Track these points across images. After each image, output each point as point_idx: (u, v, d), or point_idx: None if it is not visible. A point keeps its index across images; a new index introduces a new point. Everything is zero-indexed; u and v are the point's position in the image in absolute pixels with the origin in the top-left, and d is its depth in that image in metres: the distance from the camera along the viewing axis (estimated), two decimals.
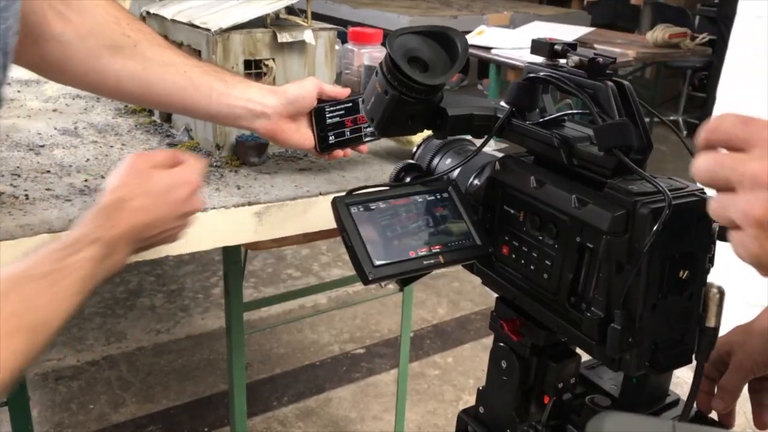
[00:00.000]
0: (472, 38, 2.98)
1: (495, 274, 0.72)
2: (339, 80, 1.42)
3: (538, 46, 0.70)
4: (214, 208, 0.93)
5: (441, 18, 3.30)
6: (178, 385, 2.13)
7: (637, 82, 4.14)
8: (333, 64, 1.18)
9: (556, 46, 0.69)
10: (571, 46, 0.69)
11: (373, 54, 1.42)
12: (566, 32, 3.13)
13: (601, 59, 0.65)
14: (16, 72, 1.62)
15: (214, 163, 1.08)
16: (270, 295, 2.53)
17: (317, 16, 3.69)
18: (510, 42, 2.88)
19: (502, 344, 0.76)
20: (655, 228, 0.56)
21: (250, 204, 0.95)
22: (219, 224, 0.94)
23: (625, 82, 0.64)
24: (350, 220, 0.65)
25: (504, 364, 0.75)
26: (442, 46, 0.70)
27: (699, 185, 0.57)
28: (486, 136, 0.72)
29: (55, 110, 1.34)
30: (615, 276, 0.59)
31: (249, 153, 1.09)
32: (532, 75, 0.71)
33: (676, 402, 0.77)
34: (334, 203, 0.66)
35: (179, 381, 2.15)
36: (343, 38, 1.40)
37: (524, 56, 2.69)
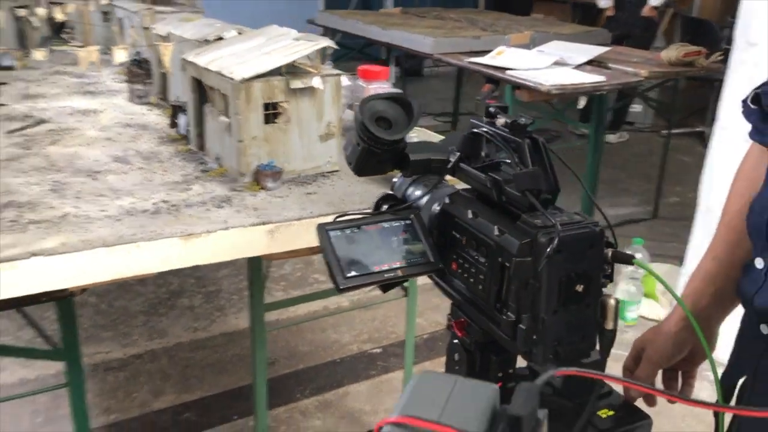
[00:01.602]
0: (490, 59, 3.16)
1: (446, 285, 0.91)
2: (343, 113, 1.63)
3: (485, 110, 0.90)
4: (234, 227, 1.15)
5: (464, 39, 3.48)
6: (212, 377, 2.37)
7: (668, 93, 4.23)
8: (339, 103, 1.40)
9: (490, 109, 0.89)
10: (503, 109, 0.89)
11: (378, 89, 1.63)
12: (581, 51, 3.28)
13: (522, 120, 0.85)
14: (77, 102, 1.88)
15: (237, 188, 1.31)
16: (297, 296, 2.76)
17: (348, 36, 3.96)
18: (525, 63, 3.05)
19: (455, 340, 0.95)
20: (546, 252, 0.75)
21: (264, 224, 1.17)
22: (239, 240, 1.16)
23: (540, 138, 0.83)
24: (328, 243, 0.86)
25: (456, 357, 0.95)
26: (402, 107, 0.91)
27: (595, 220, 0.76)
28: (439, 177, 0.92)
29: (108, 138, 1.59)
30: (523, 289, 0.79)
31: (266, 179, 1.30)
32: (475, 130, 0.91)
33: (609, 393, 0.94)
34: (318, 228, 0.87)
35: (213, 374, 2.39)
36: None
37: (537, 77, 2.86)
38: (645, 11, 4.85)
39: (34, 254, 1.02)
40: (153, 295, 2.91)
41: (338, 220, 0.89)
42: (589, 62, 3.19)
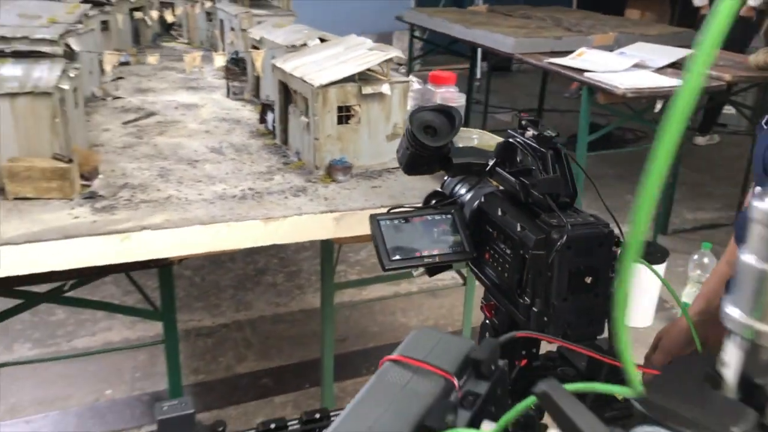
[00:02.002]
0: (570, 60, 3.21)
1: (480, 272, 1.06)
2: None
3: (519, 121, 1.04)
4: (306, 214, 1.34)
5: (545, 39, 3.54)
6: (289, 348, 2.60)
7: (761, 96, 4.12)
8: (405, 107, 1.56)
9: (523, 122, 1.03)
10: (533, 123, 1.02)
11: (445, 94, 1.78)
12: (664, 53, 3.27)
13: (547, 133, 0.98)
14: (181, 97, 2.14)
15: (312, 180, 1.50)
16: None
17: (434, 34, 4.11)
18: (604, 65, 3.09)
19: (486, 321, 1.10)
20: (556, 246, 0.88)
21: (331, 212, 1.35)
22: (309, 224, 1.34)
23: (563, 149, 0.97)
24: (378, 230, 1.02)
25: (486, 335, 1.10)
26: (447, 117, 1.06)
27: (606, 222, 0.90)
28: (478, 179, 1.07)
29: (207, 131, 1.82)
30: (537, 277, 0.93)
31: (337, 173, 1.49)
32: (510, 140, 1.05)
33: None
34: (370, 218, 1.04)
35: (290, 345, 2.62)
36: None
37: (613, 80, 2.90)
38: (742, 11, 4.71)
39: (144, 228, 1.25)
40: (241, 271, 3.18)
41: (391, 211, 1.05)
42: (672, 65, 3.19)
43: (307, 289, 3.02)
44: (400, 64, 3.27)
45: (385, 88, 1.49)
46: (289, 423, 0.93)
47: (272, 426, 0.91)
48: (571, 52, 3.34)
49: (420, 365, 0.57)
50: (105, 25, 2.40)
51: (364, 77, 1.52)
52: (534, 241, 0.92)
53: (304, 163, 1.59)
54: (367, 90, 1.48)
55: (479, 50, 5.33)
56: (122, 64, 2.46)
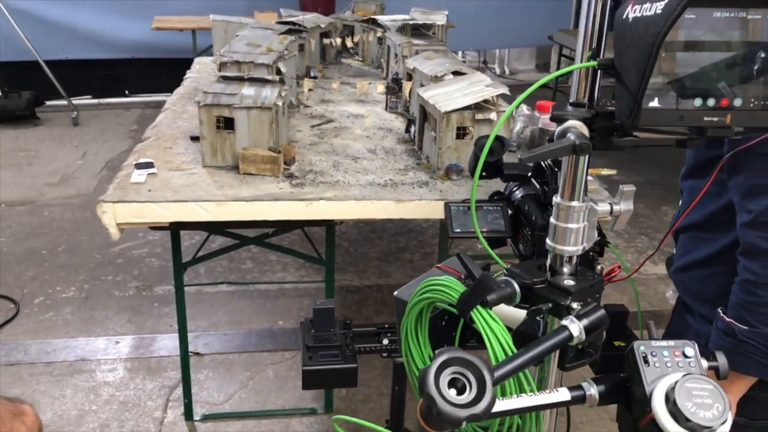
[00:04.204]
0: None
1: (515, 247, 1.63)
2: (521, 134, 2.36)
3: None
4: (425, 200, 1.98)
5: None
6: None
7: None
8: (508, 129, 2.14)
9: (541, 163, 1.59)
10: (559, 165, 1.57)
11: (545, 120, 2.33)
12: None
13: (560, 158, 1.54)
14: (352, 108, 2.86)
15: (434, 177, 2.13)
16: None
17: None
18: None
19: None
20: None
21: (442, 200, 1.98)
22: (426, 208, 1.98)
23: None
24: (448, 212, 1.62)
25: None
26: (501, 142, 1.63)
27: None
28: (518, 183, 1.65)
29: (367, 136, 2.52)
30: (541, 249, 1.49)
31: (452, 173, 2.11)
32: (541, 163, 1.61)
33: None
34: (445, 205, 1.64)
35: None
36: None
37: None
38: None
39: (321, 198, 1.96)
40: (386, 247, 3.90)
41: (460, 201, 1.65)
42: None
43: None
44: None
45: (492, 116, 2.09)
46: None
47: (386, 325, 1.56)
48: None
49: (451, 271, 1.18)
50: (301, 47, 3.19)
51: (479, 106, 2.13)
52: (539, 227, 1.46)
53: (430, 164, 2.23)
54: (480, 116, 2.09)
55: None
56: (312, 77, 3.24)
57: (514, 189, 1.69)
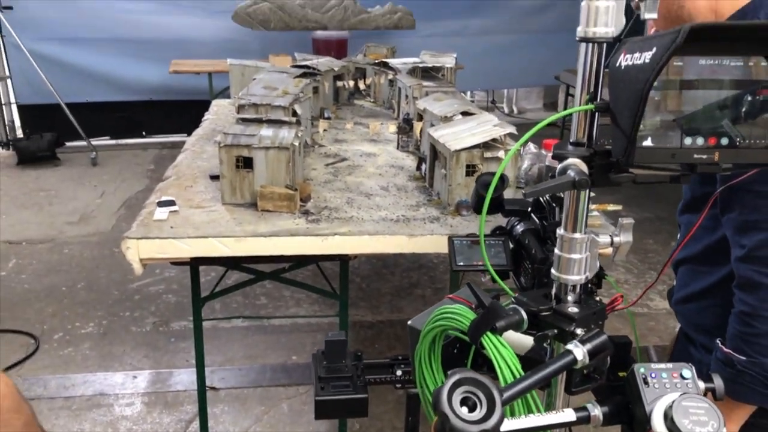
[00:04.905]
0: None
1: (517, 279, 1.69)
2: (529, 171, 2.44)
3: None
4: (436, 234, 2.05)
5: None
6: None
7: None
8: (515, 167, 2.22)
9: (540, 199, 1.66)
10: (557, 200, 1.64)
11: (552, 157, 2.41)
12: None
13: (558, 195, 1.61)
14: (364, 147, 2.96)
15: (444, 213, 2.21)
16: None
17: None
18: None
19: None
20: (550, 262, 1.51)
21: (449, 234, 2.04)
22: (438, 242, 2.05)
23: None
24: (452, 246, 1.68)
25: None
26: (500, 180, 1.70)
27: None
28: (519, 218, 1.71)
29: (380, 174, 2.60)
30: (540, 281, 1.55)
31: (462, 209, 2.18)
32: (540, 197, 1.68)
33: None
34: (448, 239, 1.70)
35: None
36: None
37: None
38: None
39: (336, 234, 2.04)
40: (398, 283, 3.96)
41: (464, 235, 1.72)
42: None
43: None
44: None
45: (500, 154, 2.17)
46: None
47: (399, 357, 1.61)
48: None
49: (461, 301, 1.25)
50: (315, 90, 3.31)
51: (487, 145, 2.21)
52: (538, 260, 1.51)
53: (440, 201, 2.31)
54: (488, 154, 2.17)
55: None
56: (326, 118, 3.35)
57: (515, 224, 1.75)
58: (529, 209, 1.61)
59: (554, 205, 1.54)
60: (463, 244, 1.60)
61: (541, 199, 1.58)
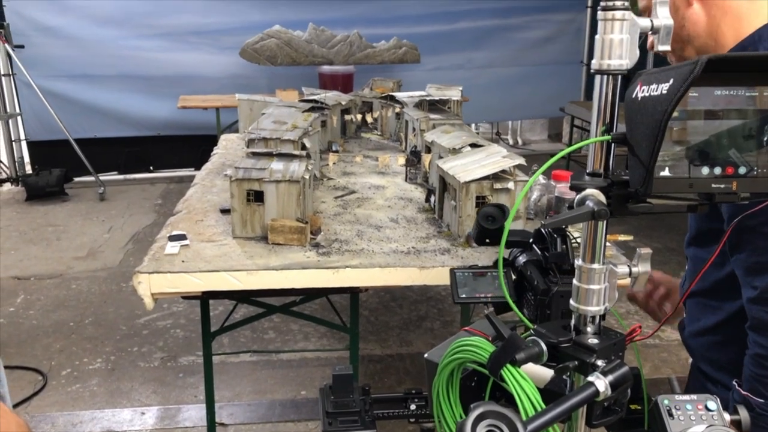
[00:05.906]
0: None
1: (520, 310, 1.67)
2: (539, 202, 2.44)
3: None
4: (447, 266, 2.04)
5: None
6: None
7: None
8: (525, 197, 2.22)
9: (542, 230, 1.65)
10: (559, 231, 1.64)
11: (562, 189, 2.41)
12: None
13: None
14: (373, 179, 2.97)
15: (455, 245, 2.20)
16: None
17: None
18: None
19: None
20: (551, 293, 1.50)
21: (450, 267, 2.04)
22: (447, 274, 2.04)
23: (569, 235, 1.59)
24: (453, 278, 1.66)
25: None
26: (502, 211, 1.69)
27: None
28: (521, 249, 1.71)
29: (389, 206, 2.61)
30: (543, 312, 1.53)
31: (472, 241, 2.18)
32: (541, 229, 1.66)
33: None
34: (450, 271, 1.69)
35: None
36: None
37: None
38: None
39: (347, 266, 2.03)
40: (407, 316, 3.93)
41: (466, 267, 1.71)
42: None
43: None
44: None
45: (510, 185, 2.18)
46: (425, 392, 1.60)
47: (413, 391, 1.60)
48: None
49: (478, 333, 1.24)
50: (323, 123, 3.34)
51: (496, 176, 2.22)
52: (541, 291, 1.49)
53: (451, 232, 2.30)
54: (498, 186, 2.18)
55: None
56: (334, 151, 3.37)
57: (518, 255, 1.73)
58: (531, 240, 1.61)
59: (556, 236, 1.53)
60: (465, 276, 1.59)
61: (542, 230, 1.58)
